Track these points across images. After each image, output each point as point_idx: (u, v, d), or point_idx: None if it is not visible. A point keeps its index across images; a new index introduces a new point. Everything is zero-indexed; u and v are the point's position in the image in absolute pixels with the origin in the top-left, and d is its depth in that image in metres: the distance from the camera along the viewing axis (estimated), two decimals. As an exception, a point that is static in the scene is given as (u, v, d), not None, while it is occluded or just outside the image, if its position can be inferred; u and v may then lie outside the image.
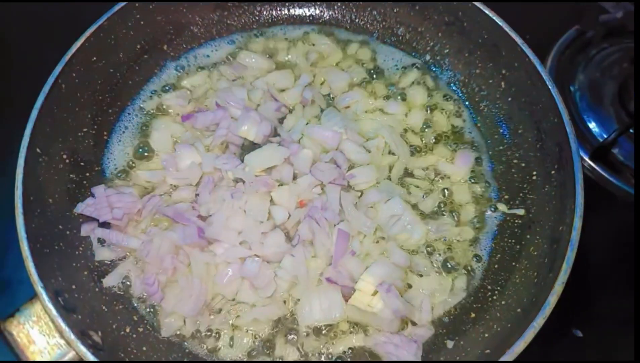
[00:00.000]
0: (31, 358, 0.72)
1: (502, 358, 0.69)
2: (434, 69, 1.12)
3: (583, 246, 1.06)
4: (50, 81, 0.91)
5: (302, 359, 0.84)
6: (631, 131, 1.18)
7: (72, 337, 0.71)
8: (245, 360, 0.84)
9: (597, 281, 1.03)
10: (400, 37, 1.14)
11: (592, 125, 1.22)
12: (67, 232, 0.89)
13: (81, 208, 0.90)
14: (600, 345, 0.97)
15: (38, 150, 0.87)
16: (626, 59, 1.31)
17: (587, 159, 1.16)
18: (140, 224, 0.93)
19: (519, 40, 0.95)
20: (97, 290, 0.87)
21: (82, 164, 0.96)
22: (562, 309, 0.99)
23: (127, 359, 0.78)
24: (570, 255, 0.75)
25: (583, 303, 1.02)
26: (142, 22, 1.04)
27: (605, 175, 1.15)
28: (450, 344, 0.82)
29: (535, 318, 0.71)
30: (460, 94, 1.09)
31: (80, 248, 0.90)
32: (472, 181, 0.99)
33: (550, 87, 0.89)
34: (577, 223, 0.77)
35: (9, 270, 1.04)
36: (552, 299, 0.72)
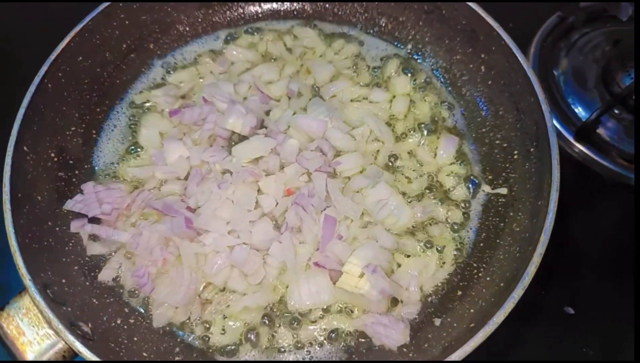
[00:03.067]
0: (21, 349, 0.73)
1: (485, 328, 0.69)
2: (416, 57, 1.13)
3: (574, 226, 1.09)
4: (37, 80, 0.92)
5: (296, 343, 0.85)
6: (616, 111, 1.20)
7: (61, 327, 0.72)
8: (245, 360, 0.85)
9: (585, 259, 1.04)
10: (383, 28, 1.16)
11: (577, 108, 1.24)
12: (57, 229, 0.90)
13: (70, 204, 0.92)
14: (590, 321, 0.97)
15: (25, 148, 0.89)
16: (608, 42, 1.33)
17: (572, 140, 1.17)
18: (129, 219, 0.94)
19: (494, 24, 0.96)
20: (87, 283, 0.87)
21: (71, 162, 0.98)
22: (553, 288, 1.02)
23: (117, 349, 0.79)
24: (548, 226, 0.76)
25: (573, 282, 1.03)
26: (127, 22, 1.06)
27: (592, 155, 1.16)
28: (437, 322, 0.83)
29: (515, 289, 0.72)
30: (442, 80, 1.10)
31: (70, 244, 0.90)
32: (457, 164, 1.00)
33: (525, 67, 0.90)
34: (554, 195, 0.78)
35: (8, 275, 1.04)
36: (531, 270, 0.73)
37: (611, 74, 1.23)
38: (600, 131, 1.18)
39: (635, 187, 1.10)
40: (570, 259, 1.05)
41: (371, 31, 1.16)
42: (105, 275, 0.89)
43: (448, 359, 0.70)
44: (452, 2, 1.03)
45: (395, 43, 1.15)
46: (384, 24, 1.15)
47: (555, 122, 1.16)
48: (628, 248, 1.06)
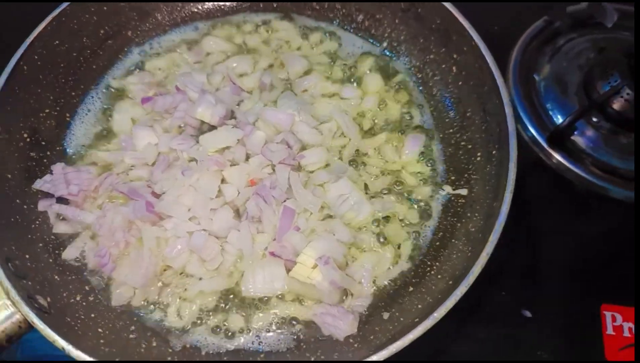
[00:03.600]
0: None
1: (425, 322, 0.71)
2: (391, 55, 1.14)
3: (539, 232, 1.09)
4: (12, 62, 0.95)
5: (246, 328, 0.86)
6: (594, 119, 1.19)
7: (18, 298, 0.75)
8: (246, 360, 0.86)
9: (545, 264, 1.04)
10: (360, 24, 1.17)
11: (556, 115, 1.23)
12: (25, 207, 0.93)
13: (39, 184, 0.94)
14: (546, 323, 0.98)
15: (-2, 128, 0.92)
16: (593, 49, 1.32)
17: (546, 147, 1.17)
18: (96, 201, 0.97)
19: (467, 24, 0.97)
20: (50, 260, 0.90)
21: (43, 143, 1.00)
22: (513, 292, 1.02)
23: (73, 323, 0.81)
24: (498, 227, 0.77)
25: (533, 286, 1.03)
26: (105, 8, 1.08)
27: (565, 163, 1.15)
28: (386, 315, 0.84)
29: (459, 287, 0.72)
30: (415, 80, 1.11)
31: (37, 222, 0.93)
32: (422, 163, 1.01)
33: (493, 68, 0.91)
34: (508, 196, 0.79)
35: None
36: (476, 269, 0.74)
37: (592, 81, 1.22)
38: (577, 138, 1.18)
39: (635, 189, 1.10)
40: (534, 263, 1.06)
41: (348, 27, 1.17)
42: (69, 254, 0.92)
43: (387, 349, 0.71)
44: (427, 2, 1.03)
45: (372, 40, 1.16)
46: (361, 21, 1.16)
47: (530, 128, 1.18)
48: (593, 256, 1.06)
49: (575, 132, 1.18)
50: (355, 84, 1.10)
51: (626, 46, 1.26)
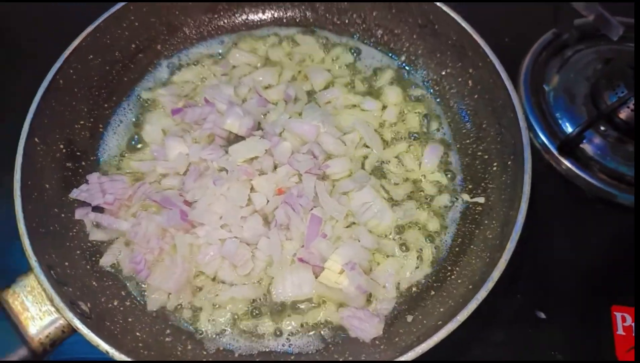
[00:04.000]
0: (24, 323, 0.80)
1: (448, 326, 0.75)
2: (409, 69, 1.19)
3: (552, 237, 1.14)
4: (49, 76, 0.99)
5: (276, 331, 0.91)
6: (602, 128, 1.24)
7: (62, 304, 0.79)
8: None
9: (557, 267, 1.08)
10: (379, 39, 1.22)
11: (565, 124, 1.28)
12: (62, 215, 0.97)
13: (76, 193, 0.98)
14: (559, 324, 1.02)
15: (36, 140, 0.96)
16: (599, 60, 1.37)
17: (557, 154, 1.22)
18: (130, 209, 1.01)
19: (481, 42, 1.02)
20: (88, 267, 0.94)
21: (78, 153, 1.05)
22: (527, 294, 1.07)
23: (112, 327, 0.85)
24: (515, 236, 0.81)
25: (546, 289, 1.08)
26: (136, 23, 1.13)
27: (575, 169, 1.20)
28: (409, 318, 0.89)
29: (480, 291, 0.77)
30: (432, 92, 1.16)
31: (74, 230, 0.98)
32: (441, 172, 1.06)
33: (507, 85, 0.96)
34: (523, 206, 0.84)
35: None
36: (495, 274, 0.78)
37: (599, 92, 1.27)
38: (586, 146, 1.23)
39: (635, 196, 1.14)
40: (546, 267, 1.10)
41: (368, 42, 1.22)
42: (106, 261, 0.96)
43: (414, 350, 0.76)
44: (444, 19, 1.08)
45: (390, 54, 1.21)
46: (380, 35, 1.21)
47: (542, 136, 1.23)
48: (602, 259, 1.11)
49: (584, 141, 1.23)
50: (375, 96, 1.14)
51: (631, 57, 1.31)
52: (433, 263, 0.97)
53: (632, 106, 1.19)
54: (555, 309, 1.04)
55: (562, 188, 1.20)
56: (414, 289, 0.94)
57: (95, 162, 1.07)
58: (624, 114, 1.21)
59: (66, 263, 0.90)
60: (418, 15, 1.14)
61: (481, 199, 0.99)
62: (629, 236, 1.14)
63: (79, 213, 0.98)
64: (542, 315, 1.05)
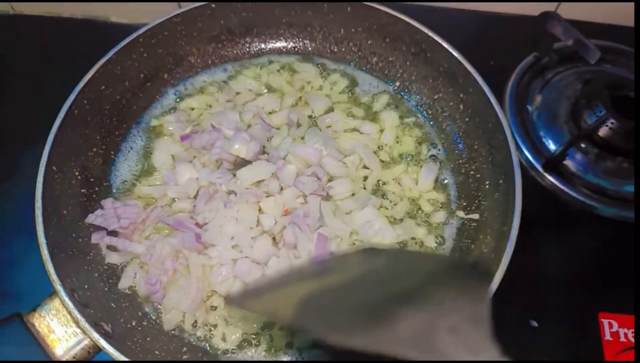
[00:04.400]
0: (51, 345, 0.84)
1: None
2: (403, 94, 1.27)
3: (540, 248, 1.21)
4: (65, 107, 1.04)
5: (289, 345, 0.96)
6: (583, 145, 1.33)
7: (87, 326, 0.83)
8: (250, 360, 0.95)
9: (546, 278, 1.16)
10: (374, 65, 1.29)
11: (548, 142, 1.36)
12: (80, 239, 1.01)
13: (92, 218, 1.03)
14: (552, 333, 1.09)
15: (54, 168, 1.00)
16: (579, 81, 1.46)
17: (542, 171, 1.30)
18: (144, 232, 1.06)
19: (471, 69, 1.10)
20: (106, 289, 0.98)
21: (92, 180, 1.09)
22: (519, 303, 1.14)
23: (133, 347, 0.90)
24: (509, 249, 0.88)
25: (538, 299, 1.15)
26: (145, 55, 1.18)
27: (559, 185, 1.28)
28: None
29: (481, 303, 0.83)
30: (425, 115, 1.24)
31: (91, 254, 1.01)
32: (436, 191, 1.13)
33: (496, 109, 1.03)
34: (516, 222, 0.90)
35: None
36: (492, 287, 0.84)
37: (579, 111, 1.36)
38: (568, 163, 1.31)
39: (635, 204, 1.22)
40: (536, 277, 1.17)
41: (364, 68, 1.30)
42: (124, 284, 1.00)
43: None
44: (435, 47, 1.16)
45: (385, 80, 1.29)
46: (375, 62, 1.29)
47: (527, 153, 1.31)
48: (588, 269, 1.18)
49: (567, 158, 1.31)
50: (373, 120, 1.22)
51: (608, 78, 1.41)
52: (433, 277, 1.03)
53: (610, 125, 1.28)
54: (547, 317, 1.11)
55: (547, 202, 1.28)
56: (416, 301, 1.00)
57: (108, 188, 1.11)
58: (602, 132, 1.30)
59: (86, 286, 0.94)
60: (411, 44, 1.22)
61: (475, 216, 1.06)
62: (612, 247, 1.22)
63: (95, 238, 1.03)
64: (535, 324, 1.11)
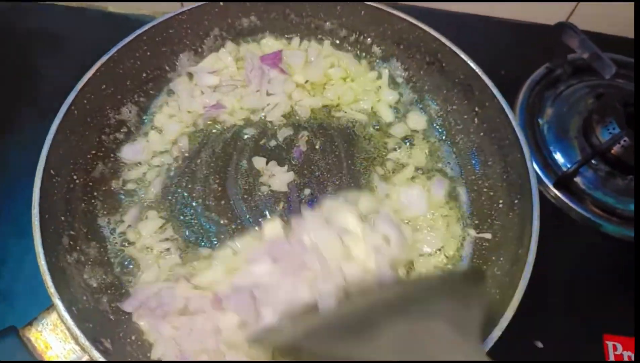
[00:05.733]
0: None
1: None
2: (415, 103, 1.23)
3: (545, 265, 1.19)
4: (64, 107, 0.98)
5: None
6: (594, 162, 1.30)
7: (87, 343, 0.79)
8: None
9: (555, 298, 1.14)
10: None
11: (557, 156, 1.34)
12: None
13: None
14: (556, 352, 1.08)
15: (52, 171, 0.95)
16: (591, 95, 1.44)
17: (550, 186, 1.27)
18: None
19: (489, 82, 1.06)
20: (104, 300, 0.94)
21: (90, 184, 1.04)
22: (524, 323, 1.12)
23: (133, 365, 0.86)
24: (526, 274, 0.85)
25: (543, 318, 1.13)
26: (148, 53, 1.13)
27: (568, 202, 1.26)
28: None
29: (494, 330, 0.81)
30: (438, 128, 1.20)
31: (89, 263, 0.97)
32: (446, 207, 1.10)
33: (514, 126, 1.00)
34: (533, 246, 0.88)
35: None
36: (509, 313, 0.82)
37: (591, 127, 1.33)
38: (578, 179, 1.29)
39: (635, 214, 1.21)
40: (544, 297, 1.16)
41: (376, 75, 1.26)
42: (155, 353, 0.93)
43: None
44: (452, 58, 1.12)
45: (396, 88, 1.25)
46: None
47: (536, 167, 1.29)
48: (594, 291, 1.17)
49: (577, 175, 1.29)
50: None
51: (621, 94, 1.38)
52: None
53: (623, 143, 1.26)
54: (552, 338, 1.10)
55: (554, 219, 1.26)
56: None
57: (108, 193, 1.07)
58: (615, 150, 1.27)
59: (84, 297, 0.90)
60: (426, 53, 1.18)
61: (488, 235, 1.03)
62: (619, 267, 1.21)
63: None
64: (540, 345, 1.10)
